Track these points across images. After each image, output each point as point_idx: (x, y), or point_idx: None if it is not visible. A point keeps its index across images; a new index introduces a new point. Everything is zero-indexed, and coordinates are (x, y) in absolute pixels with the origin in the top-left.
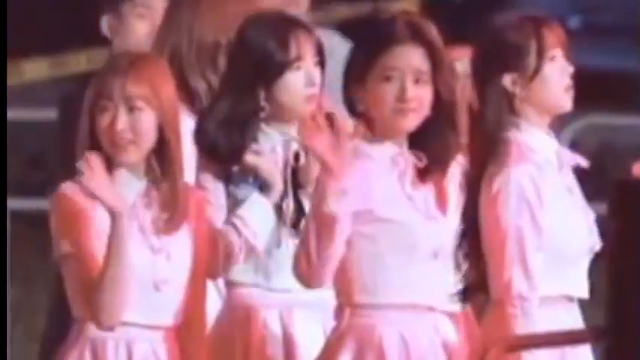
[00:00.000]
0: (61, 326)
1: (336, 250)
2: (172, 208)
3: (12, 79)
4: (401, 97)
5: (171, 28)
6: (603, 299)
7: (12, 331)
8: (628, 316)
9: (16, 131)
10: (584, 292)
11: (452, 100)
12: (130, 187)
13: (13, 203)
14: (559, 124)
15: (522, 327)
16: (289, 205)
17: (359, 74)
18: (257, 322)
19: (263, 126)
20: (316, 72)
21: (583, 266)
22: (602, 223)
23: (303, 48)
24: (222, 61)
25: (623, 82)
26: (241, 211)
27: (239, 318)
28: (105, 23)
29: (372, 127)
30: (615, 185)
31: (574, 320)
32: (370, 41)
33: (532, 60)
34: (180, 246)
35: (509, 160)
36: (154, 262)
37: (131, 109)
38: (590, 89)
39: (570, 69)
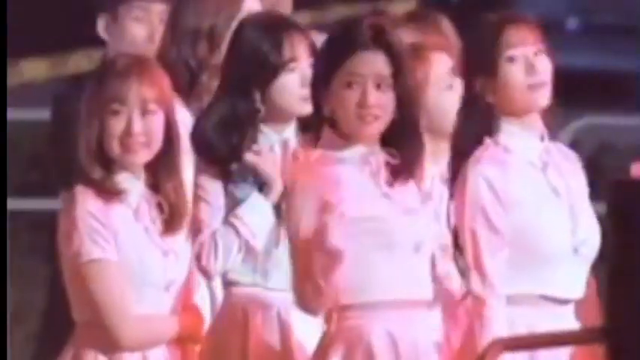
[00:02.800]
0: (58, 327)
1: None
2: (179, 208)
3: (12, 80)
4: (362, 103)
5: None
6: (603, 299)
7: (12, 331)
8: (627, 316)
9: (15, 131)
10: (567, 293)
11: (413, 104)
12: (133, 191)
13: (13, 203)
14: (557, 124)
15: (480, 327)
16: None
17: (324, 79)
18: (255, 322)
19: (261, 126)
20: (311, 72)
21: (566, 267)
22: (601, 223)
23: (297, 49)
24: (202, 48)
25: (622, 82)
26: (240, 211)
27: (237, 318)
28: (101, 24)
29: (340, 131)
30: (615, 185)
31: (555, 321)
32: (334, 46)
33: (489, 62)
34: (182, 244)
35: (469, 163)
36: (165, 264)
37: (145, 112)
38: (589, 89)
39: (542, 66)
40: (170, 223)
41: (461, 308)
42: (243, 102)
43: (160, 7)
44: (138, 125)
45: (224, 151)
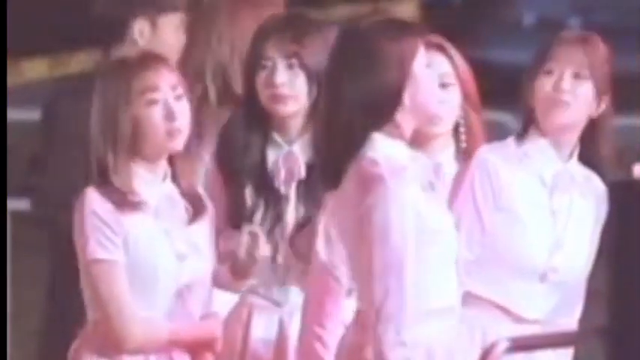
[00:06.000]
0: (60, 326)
1: None
2: (193, 196)
3: (12, 80)
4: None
5: (210, 40)
6: (603, 299)
7: (12, 331)
8: (628, 316)
9: (15, 132)
10: (523, 312)
11: None
12: (151, 190)
13: (13, 204)
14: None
15: None
16: (290, 218)
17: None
18: (257, 325)
19: (273, 133)
20: None
21: (528, 288)
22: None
23: None
24: None
25: (622, 82)
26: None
27: (242, 315)
28: (137, 28)
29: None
30: (615, 185)
31: (508, 332)
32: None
33: (533, 70)
34: (204, 250)
35: (476, 156)
36: (179, 269)
37: (176, 97)
38: None
39: (571, 87)
40: (191, 212)
41: None
42: (252, 107)
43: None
44: (177, 110)
45: (236, 153)
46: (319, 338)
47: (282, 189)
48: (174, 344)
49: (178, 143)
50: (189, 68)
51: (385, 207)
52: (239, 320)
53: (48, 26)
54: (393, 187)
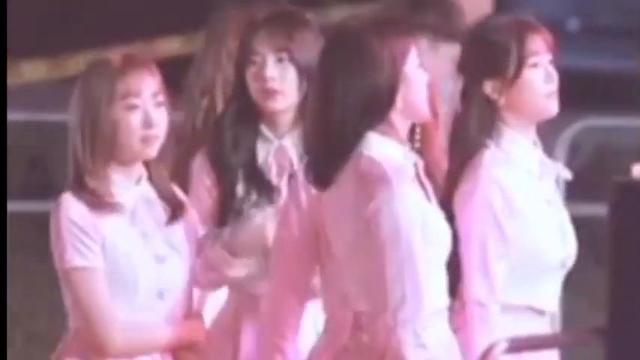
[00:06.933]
0: None
1: None
2: (169, 197)
3: (11, 81)
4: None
5: (220, 57)
6: (603, 300)
7: (12, 333)
8: (628, 316)
9: (15, 133)
10: (548, 305)
11: None
12: (127, 192)
13: (13, 205)
14: (558, 126)
15: (481, 332)
16: None
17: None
18: (245, 330)
19: (261, 127)
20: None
21: (553, 280)
22: (602, 225)
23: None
24: None
25: (621, 83)
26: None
27: (228, 325)
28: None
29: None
30: (615, 186)
31: (534, 331)
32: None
33: (512, 66)
34: (183, 250)
35: (480, 167)
36: (159, 271)
37: (156, 104)
38: (589, 91)
39: (555, 75)
40: (169, 213)
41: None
42: (243, 101)
43: None
44: (156, 118)
45: (228, 148)
46: (280, 350)
47: (274, 181)
48: (156, 348)
49: (153, 150)
50: (200, 81)
51: (392, 208)
52: (228, 331)
53: (48, 27)
54: (397, 187)
